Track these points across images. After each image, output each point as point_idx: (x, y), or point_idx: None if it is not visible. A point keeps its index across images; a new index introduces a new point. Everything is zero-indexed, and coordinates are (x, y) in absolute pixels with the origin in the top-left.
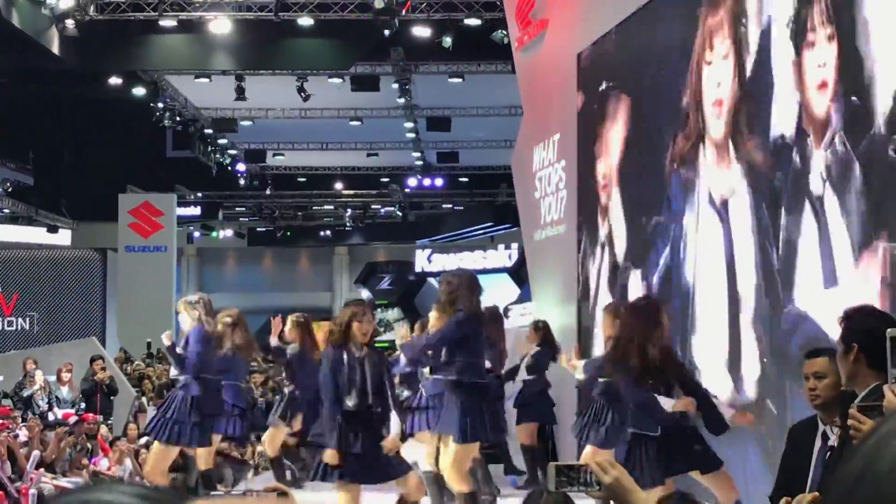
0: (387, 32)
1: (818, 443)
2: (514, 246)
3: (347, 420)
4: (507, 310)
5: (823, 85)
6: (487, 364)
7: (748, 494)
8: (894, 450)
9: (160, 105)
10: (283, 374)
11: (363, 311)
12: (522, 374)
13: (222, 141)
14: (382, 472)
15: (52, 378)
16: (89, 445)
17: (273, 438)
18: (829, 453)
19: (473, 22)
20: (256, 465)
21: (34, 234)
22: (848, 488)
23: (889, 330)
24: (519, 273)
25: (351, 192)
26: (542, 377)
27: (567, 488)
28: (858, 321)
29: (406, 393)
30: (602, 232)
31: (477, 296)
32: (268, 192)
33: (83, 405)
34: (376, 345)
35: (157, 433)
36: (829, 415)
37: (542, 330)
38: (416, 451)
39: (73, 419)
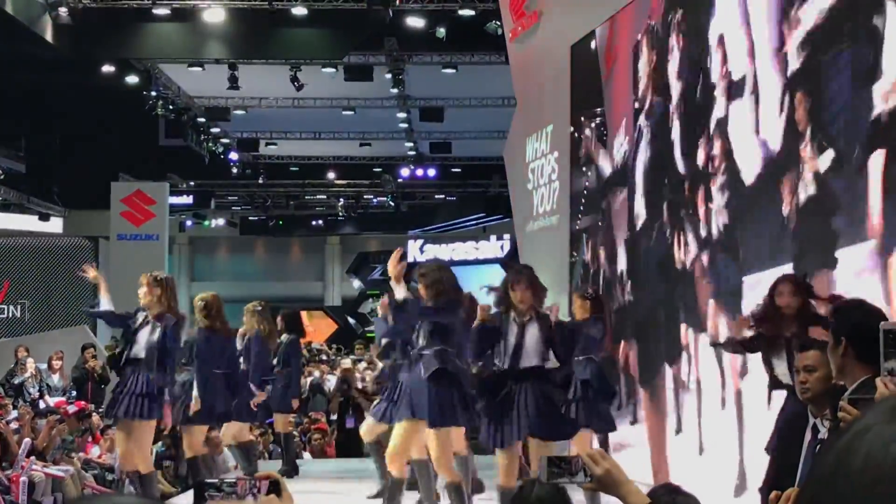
0: (386, 16)
1: (808, 436)
2: (507, 237)
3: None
4: None
5: None
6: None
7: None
8: (868, 446)
9: (153, 93)
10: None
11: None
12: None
13: (215, 130)
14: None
15: (44, 366)
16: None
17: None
18: (818, 446)
19: (467, 13)
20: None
21: (25, 222)
22: (823, 483)
23: (882, 323)
24: (511, 264)
25: (343, 181)
26: None
27: (559, 479)
28: (847, 314)
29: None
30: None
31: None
32: (260, 181)
33: (74, 393)
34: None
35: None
36: (820, 408)
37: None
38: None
39: (70, 408)
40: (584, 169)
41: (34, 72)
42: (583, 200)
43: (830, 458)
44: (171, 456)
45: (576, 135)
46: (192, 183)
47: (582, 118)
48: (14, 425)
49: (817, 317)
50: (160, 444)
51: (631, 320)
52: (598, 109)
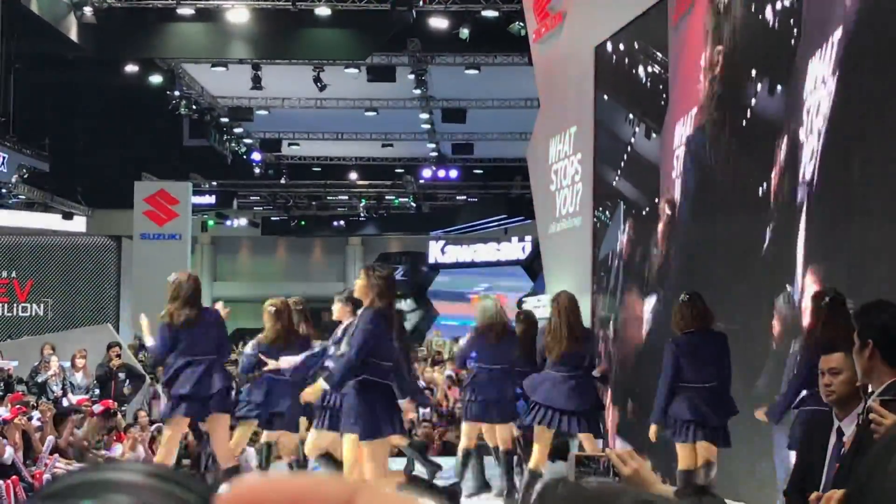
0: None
1: (833, 438)
2: (528, 238)
3: None
4: (520, 302)
5: None
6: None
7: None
8: None
9: (176, 93)
10: None
11: None
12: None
13: (238, 130)
14: None
15: (67, 364)
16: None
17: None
18: (843, 449)
19: (491, 14)
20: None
21: (49, 221)
22: (862, 483)
23: None
24: (532, 266)
25: (365, 182)
26: None
27: (586, 479)
28: (873, 317)
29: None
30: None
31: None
32: (282, 181)
33: (97, 391)
34: None
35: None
36: (845, 410)
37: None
38: None
39: (96, 408)
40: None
41: (59, 71)
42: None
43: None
44: (189, 454)
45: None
46: (214, 183)
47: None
48: (36, 423)
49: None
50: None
51: None
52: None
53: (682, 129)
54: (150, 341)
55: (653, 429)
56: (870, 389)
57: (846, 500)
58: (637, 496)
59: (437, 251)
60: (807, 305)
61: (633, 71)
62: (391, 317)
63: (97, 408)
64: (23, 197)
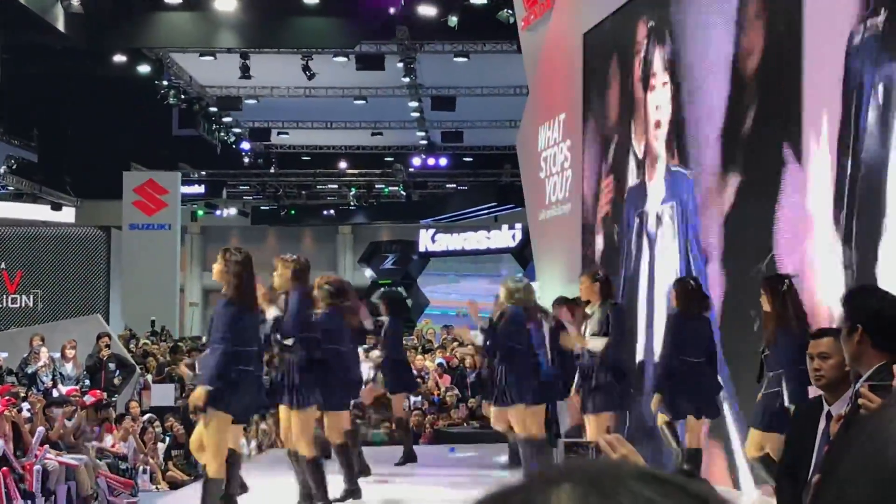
0: (392, 11)
1: (822, 422)
2: (518, 226)
3: None
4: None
5: None
6: None
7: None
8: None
9: (165, 83)
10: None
11: None
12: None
13: (227, 119)
14: None
15: (57, 355)
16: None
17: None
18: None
19: (479, 1)
20: (260, 444)
21: (38, 212)
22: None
23: None
24: (523, 253)
25: (355, 171)
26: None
27: None
28: (861, 301)
29: None
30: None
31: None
32: (272, 170)
33: (87, 382)
34: None
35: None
36: (834, 394)
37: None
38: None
39: (87, 398)
40: None
41: (46, 62)
42: None
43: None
44: (181, 444)
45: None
46: (203, 172)
47: None
48: (26, 414)
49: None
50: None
51: None
52: None
53: None
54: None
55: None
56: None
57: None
58: (638, 468)
59: (427, 239)
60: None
61: None
62: (249, 300)
63: (88, 398)
64: (11, 188)
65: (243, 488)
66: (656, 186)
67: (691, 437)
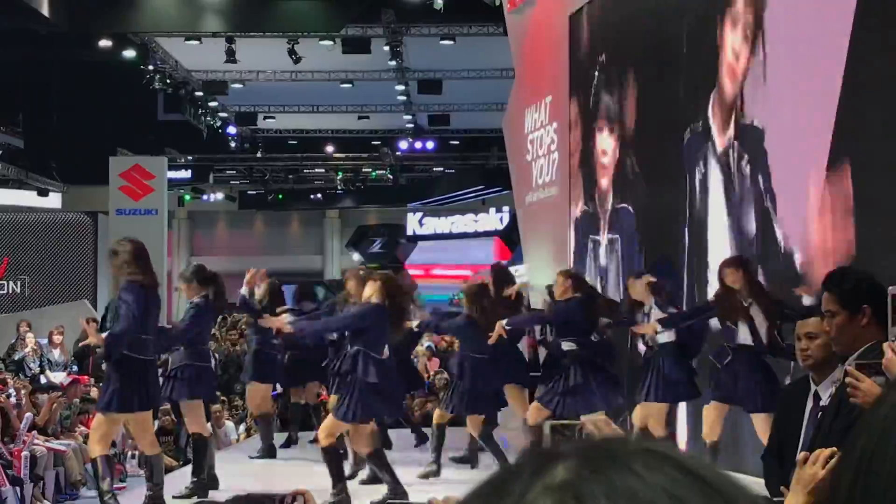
0: None
1: (810, 403)
2: (506, 209)
3: None
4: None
5: None
6: None
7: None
8: None
9: (150, 67)
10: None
11: None
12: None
13: (213, 104)
14: None
15: (44, 341)
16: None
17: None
18: (820, 413)
19: None
20: (248, 428)
21: (24, 198)
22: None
23: (891, 288)
24: (511, 236)
25: (342, 155)
26: None
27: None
28: (853, 283)
29: None
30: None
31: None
32: (259, 155)
33: (75, 368)
34: None
35: None
36: (821, 374)
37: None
38: None
39: (67, 381)
40: None
41: (31, 47)
42: None
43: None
44: (170, 430)
45: None
46: (190, 157)
47: None
48: (13, 400)
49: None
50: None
51: None
52: None
53: None
54: None
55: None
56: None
57: (838, 481)
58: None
59: (415, 223)
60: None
61: None
62: (150, 288)
63: (66, 381)
64: None
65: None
66: None
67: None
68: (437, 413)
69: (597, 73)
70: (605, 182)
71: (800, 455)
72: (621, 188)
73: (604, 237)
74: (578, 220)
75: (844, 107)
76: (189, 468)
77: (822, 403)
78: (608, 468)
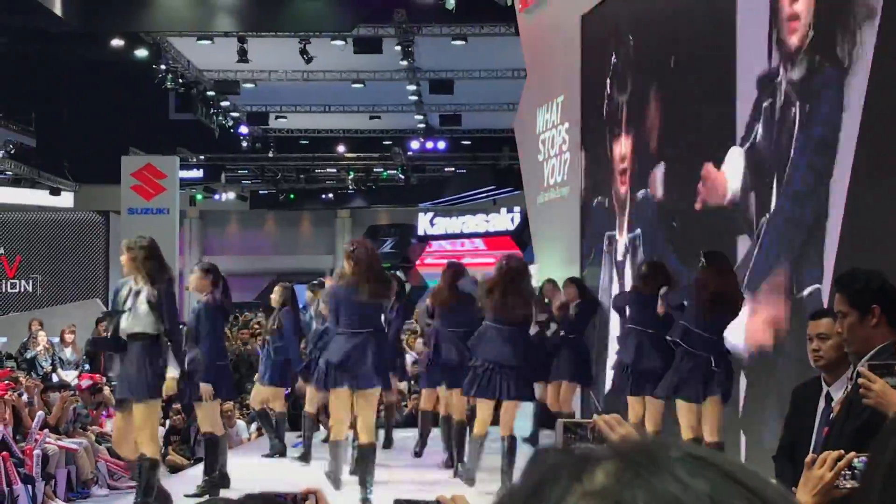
0: None
1: (822, 403)
2: (517, 209)
3: None
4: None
5: None
6: None
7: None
8: None
9: (162, 67)
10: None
11: None
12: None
13: (225, 103)
14: None
15: (56, 339)
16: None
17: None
18: (832, 414)
19: None
20: (259, 428)
21: (37, 197)
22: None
23: None
24: (522, 236)
25: (353, 154)
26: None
27: (574, 445)
28: (864, 283)
29: None
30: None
31: None
32: (270, 154)
33: (87, 366)
34: None
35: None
36: (833, 375)
37: (577, 285)
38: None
39: (84, 382)
40: None
41: (43, 46)
42: None
43: None
44: (180, 429)
45: None
46: (202, 157)
47: None
48: (25, 398)
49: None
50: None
51: None
52: None
53: None
54: None
55: None
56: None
57: (868, 482)
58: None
59: (426, 223)
60: None
61: None
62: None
63: (84, 382)
64: (9, 173)
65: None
66: None
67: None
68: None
69: (612, 73)
70: (622, 180)
71: (808, 457)
72: (640, 184)
73: (622, 236)
74: (590, 214)
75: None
76: (200, 467)
77: (833, 403)
78: (650, 473)
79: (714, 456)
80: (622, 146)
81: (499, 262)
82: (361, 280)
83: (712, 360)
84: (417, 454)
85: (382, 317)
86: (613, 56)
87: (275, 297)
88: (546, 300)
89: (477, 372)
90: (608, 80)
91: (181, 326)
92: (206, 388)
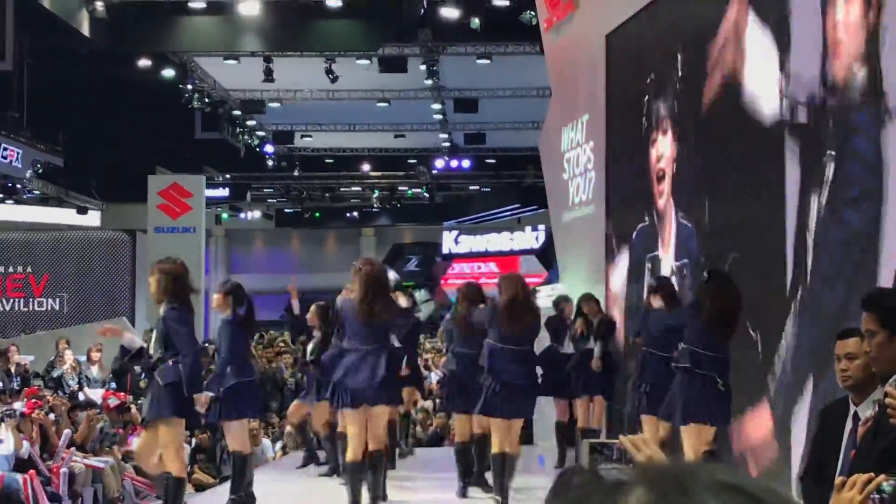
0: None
1: (849, 424)
2: (542, 227)
3: None
4: (535, 291)
5: None
6: None
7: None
8: None
9: (189, 86)
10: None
11: None
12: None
13: (251, 122)
14: None
15: (83, 358)
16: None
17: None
18: (859, 435)
19: (502, 3)
20: (284, 446)
21: (64, 216)
22: None
23: None
24: (546, 255)
25: (378, 173)
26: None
27: (600, 466)
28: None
29: None
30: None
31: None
32: (295, 173)
33: (113, 385)
34: None
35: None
36: (861, 395)
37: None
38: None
39: (111, 401)
40: None
41: (71, 66)
42: None
43: None
44: (206, 448)
45: None
46: (228, 176)
47: None
48: (52, 416)
49: None
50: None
51: None
52: None
53: None
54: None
55: None
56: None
57: None
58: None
59: (450, 241)
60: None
61: None
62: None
63: (112, 401)
64: (37, 192)
65: None
66: None
67: None
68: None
69: (649, 90)
70: (663, 198)
71: (837, 479)
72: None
73: (666, 253)
74: (632, 238)
75: None
76: (226, 485)
77: (861, 424)
78: (681, 502)
79: (744, 483)
80: (661, 163)
81: (500, 286)
82: (366, 298)
83: (718, 379)
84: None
85: (392, 333)
86: (652, 74)
87: (310, 316)
88: (569, 317)
89: (492, 391)
90: (645, 98)
91: (206, 345)
92: (202, 396)
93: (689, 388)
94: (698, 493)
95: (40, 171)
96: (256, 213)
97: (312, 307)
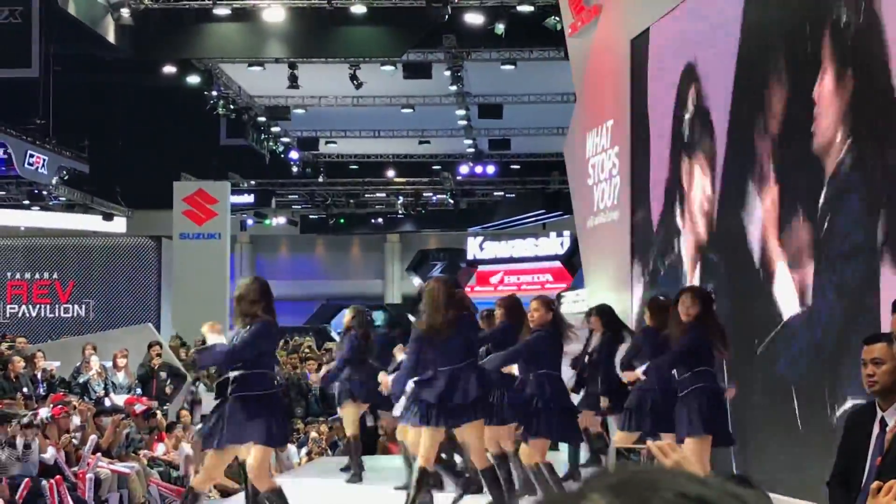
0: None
1: (876, 429)
2: (566, 233)
3: None
4: (559, 297)
5: None
6: None
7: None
8: None
9: (214, 93)
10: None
11: None
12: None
13: (275, 129)
14: None
15: (108, 364)
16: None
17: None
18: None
19: (526, 8)
20: (309, 452)
21: (90, 222)
22: None
23: None
24: (571, 261)
25: (403, 179)
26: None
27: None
28: None
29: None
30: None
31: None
32: (320, 179)
33: (139, 391)
34: None
35: None
36: (888, 401)
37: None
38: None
39: (137, 407)
40: None
41: (97, 73)
42: None
43: None
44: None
45: None
46: (253, 182)
47: None
48: (77, 422)
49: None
50: None
51: None
52: None
53: None
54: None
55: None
56: None
57: None
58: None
59: (475, 247)
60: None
61: None
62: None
63: (138, 408)
64: (63, 199)
65: None
66: None
67: None
68: None
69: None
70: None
71: (873, 485)
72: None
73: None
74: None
75: None
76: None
77: (888, 429)
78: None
79: (707, 493)
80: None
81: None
82: (437, 316)
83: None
84: None
85: (471, 348)
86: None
87: (346, 319)
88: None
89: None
90: (674, 104)
91: None
92: None
93: (692, 404)
94: (656, 490)
95: (66, 177)
96: (281, 220)
97: (348, 310)
